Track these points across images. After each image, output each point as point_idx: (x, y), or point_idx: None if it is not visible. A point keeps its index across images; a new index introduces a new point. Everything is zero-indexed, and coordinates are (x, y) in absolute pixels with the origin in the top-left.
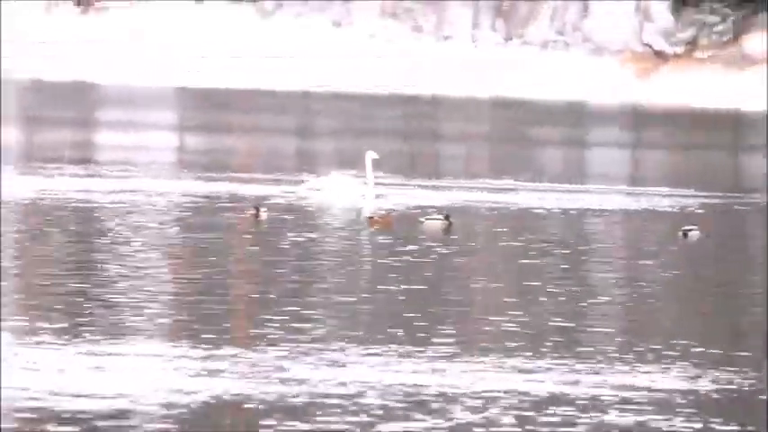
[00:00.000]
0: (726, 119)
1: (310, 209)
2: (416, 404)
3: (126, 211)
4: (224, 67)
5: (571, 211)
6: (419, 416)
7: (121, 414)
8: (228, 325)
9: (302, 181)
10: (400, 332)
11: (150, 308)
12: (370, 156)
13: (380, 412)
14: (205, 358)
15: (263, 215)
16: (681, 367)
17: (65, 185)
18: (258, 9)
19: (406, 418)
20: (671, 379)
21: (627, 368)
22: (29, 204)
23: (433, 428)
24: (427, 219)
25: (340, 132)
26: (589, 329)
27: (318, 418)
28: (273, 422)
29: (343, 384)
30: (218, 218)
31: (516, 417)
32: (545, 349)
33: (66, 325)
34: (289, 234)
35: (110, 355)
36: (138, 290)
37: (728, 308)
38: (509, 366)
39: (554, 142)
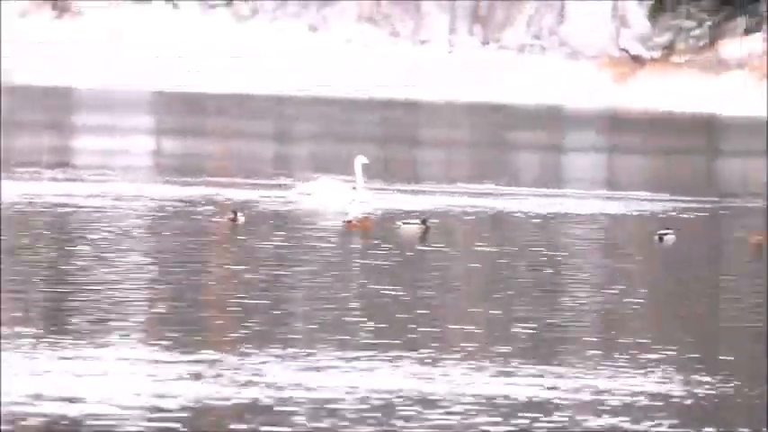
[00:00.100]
0: (702, 123)
1: (289, 213)
2: (394, 409)
3: (103, 215)
4: (200, 72)
5: (548, 216)
6: (396, 421)
7: (104, 418)
8: (205, 329)
9: (291, 186)
10: (377, 337)
11: (127, 312)
12: (360, 160)
13: (357, 417)
14: (181, 363)
15: (241, 219)
16: (660, 371)
17: (42, 190)
18: (234, 13)
19: (383, 424)
20: (651, 383)
21: (607, 372)
22: (5, 209)
23: None
24: (404, 223)
25: (317, 137)
26: (566, 333)
27: (295, 423)
28: (247, 426)
29: (320, 389)
30: (195, 222)
31: (496, 421)
32: (523, 353)
33: (43, 330)
34: (266, 238)
35: (87, 359)
36: (116, 294)
37: (705, 312)
38: (487, 371)
39: (531, 146)
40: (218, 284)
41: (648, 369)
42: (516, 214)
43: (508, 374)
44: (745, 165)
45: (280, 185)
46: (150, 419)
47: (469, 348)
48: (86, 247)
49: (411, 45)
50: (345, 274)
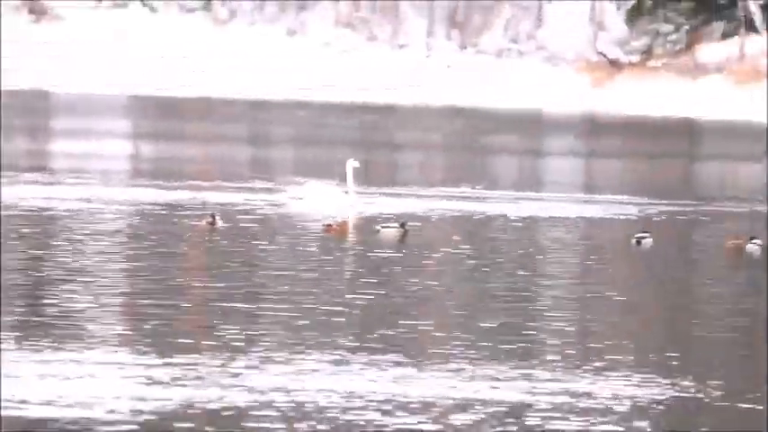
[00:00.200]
0: (680, 127)
1: (268, 217)
2: (373, 412)
3: (81, 219)
4: (178, 76)
5: (526, 219)
6: (377, 425)
7: (84, 422)
8: (183, 333)
9: (282, 190)
10: (356, 341)
11: (105, 317)
12: (351, 164)
13: (336, 421)
14: (161, 366)
15: (219, 223)
16: (637, 375)
17: (19, 194)
18: (212, 17)
19: (364, 427)
20: (630, 386)
21: (585, 375)
22: None
23: None
24: (383, 227)
25: (295, 141)
26: (544, 337)
27: (275, 427)
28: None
29: (299, 393)
30: (173, 225)
31: (475, 425)
32: (501, 356)
33: (20, 333)
34: (244, 242)
35: (67, 363)
36: (93, 298)
37: (681, 315)
38: (465, 374)
39: (510, 150)
40: (195, 288)
41: (626, 372)
42: (495, 218)
43: (487, 378)
44: (723, 168)
45: (270, 189)
46: (130, 423)
47: (447, 352)
48: (64, 251)
49: (389, 49)
50: (324, 277)
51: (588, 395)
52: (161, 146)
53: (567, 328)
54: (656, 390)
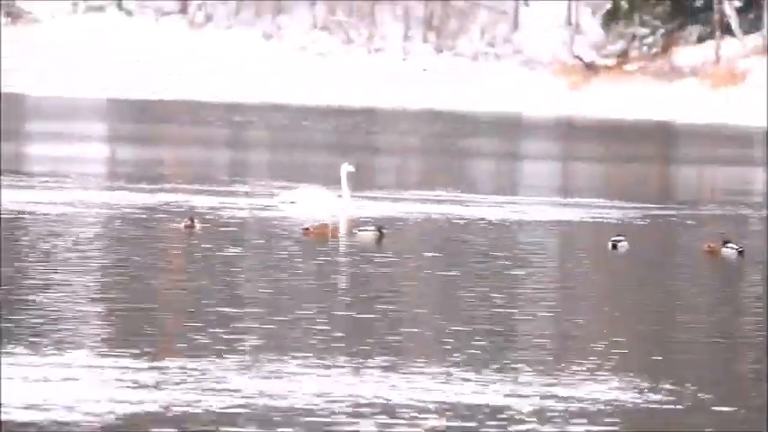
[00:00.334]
0: (657, 131)
1: (247, 220)
2: (356, 416)
3: (58, 222)
4: (155, 79)
5: (503, 223)
6: (360, 428)
7: (66, 425)
8: (162, 337)
9: (275, 194)
10: (335, 345)
11: (85, 320)
12: (345, 168)
13: (318, 424)
14: (142, 370)
15: (198, 226)
16: (615, 379)
17: None
18: (189, 21)
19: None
20: (611, 390)
21: (564, 379)
22: None
23: None
24: (360, 230)
25: (272, 144)
26: (521, 340)
27: (257, 430)
28: None
29: (282, 396)
30: (151, 229)
31: (457, 428)
32: (480, 361)
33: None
34: (222, 245)
35: (46, 367)
36: (70, 302)
37: (657, 319)
38: (445, 377)
39: (487, 154)
40: (175, 291)
41: (604, 376)
42: (472, 221)
43: (466, 381)
44: (700, 172)
45: (248, 193)
46: (112, 427)
47: (427, 355)
48: (41, 255)
49: (365, 53)
50: (302, 281)
51: (564, 398)
52: (138, 149)
53: (538, 332)
54: (634, 393)
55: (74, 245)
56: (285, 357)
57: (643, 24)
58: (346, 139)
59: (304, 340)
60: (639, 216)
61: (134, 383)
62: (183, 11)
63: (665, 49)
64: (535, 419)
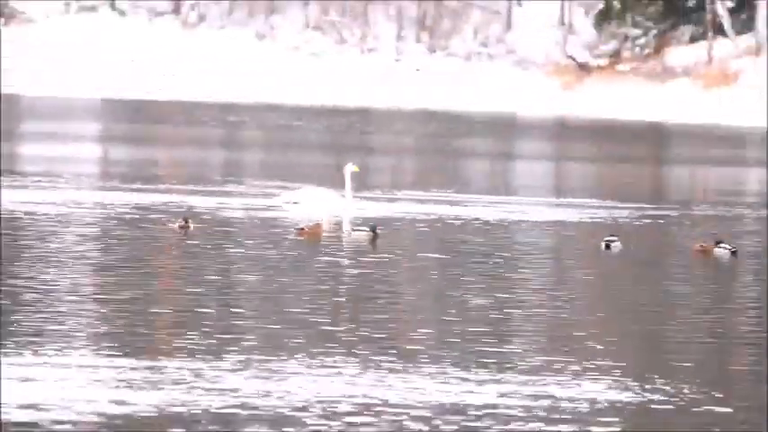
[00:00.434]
0: (649, 131)
1: (241, 220)
2: (351, 416)
3: (53, 222)
4: (148, 79)
5: (496, 223)
6: (354, 428)
7: (63, 424)
8: (158, 337)
9: (277, 194)
10: (330, 344)
11: (80, 321)
12: (350, 168)
13: (313, 424)
14: (139, 370)
15: (192, 226)
16: (610, 378)
17: None
18: (182, 21)
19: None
20: (606, 390)
21: (558, 379)
22: None
23: None
24: (354, 230)
25: (266, 144)
26: (515, 340)
27: (254, 430)
28: None
29: (277, 396)
30: (145, 229)
31: (451, 428)
32: (474, 360)
33: None
34: (217, 245)
35: (43, 366)
36: (65, 301)
37: (650, 318)
38: (440, 377)
39: (480, 154)
40: (170, 292)
41: (599, 376)
42: (465, 221)
43: (461, 381)
44: (692, 172)
45: (265, 194)
46: (109, 426)
47: (421, 355)
48: (36, 255)
49: (358, 53)
50: (297, 281)
51: (559, 398)
52: (132, 149)
53: (532, 332)
54: (629, 393)
55: (68, 245)
56: (281, 358)
57: (635, 25)
58: (339, 139)
59: (299, 340)
60: (632, 216)
61: (130, 384)
62: (176, 11)
63: (658, 49)
64: (530, 419)
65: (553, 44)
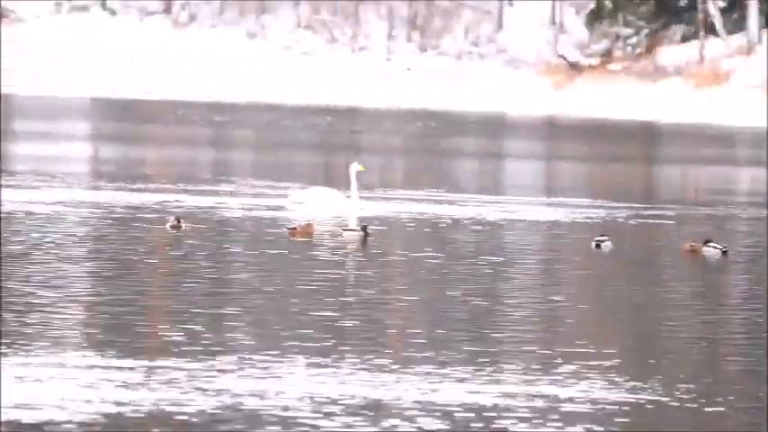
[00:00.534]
0: (641, 130)
1: (233, 220)
2: (344, 416)
3: (45, 222)
4: (138, 79)
5: (487, 222)
6: (347, 428)
7: (57, 424)
8: (152, 337)
9: (284, 195)
10: (322, 344)
11: (71, 320)
12: (355, 168)
13: (306, 424)
14: (133, 370)
15: (184, 226)
16: (601, 378)
17: None
18: (173, 21)
19: (333, 430)
20: (602, 391)
21: (550, 379)
22: None
23: None
24: (345, 230)
25: (257, 144)
26: (506, 340)
27: (246, 430)
28: None
29: (271, 396)
30: (137, 229)
31: (447, 428)
32: (466, 361)
33: None
34: (209, 245)
35: (37, 366)
36: (55, 301)
37: (640, 318)
38: (432, 377)
39: (471, 153)
40: (163, 292)
41: (591, 376)
42: (456, 221)
43: (453, 381)
44: (683, 171)
45: (273, 195)
46: (103, 426)
47: (412, 356)
48: (28, 254)
49: (349, 52)
50: (288, 280)
51: (551, 398)
52: (123, 148)
53: (523, 332)
54: (621, 392)
55: (56, 245)
56: (274, 357)
57: (627, 24)
58: (330, 139)
59: (291, 340)
60: (623, 216)
61: (122, 384)
62: (167, 10)
63: (649, 48)
64: (522, 419)
65: (544, 43)
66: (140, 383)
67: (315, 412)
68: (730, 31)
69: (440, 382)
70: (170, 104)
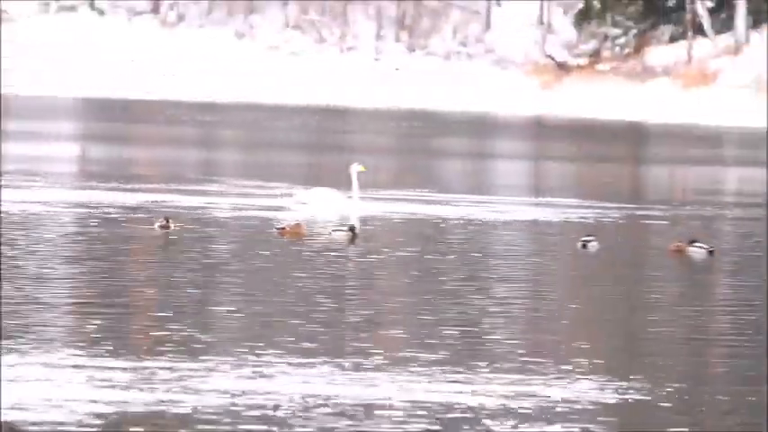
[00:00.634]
0: (629, 130)
1: (222, 220)
2: (334, 416)
3: (33, 222)
4: (127, 78)
5: (475, 222)
6: (337, 428)
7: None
8: (138, 337)
9: (290, 194)
10: (310, 343)
11: (62, 320)
12: (355, 168)
13: (294, 423)
14: (124, 370)
15: (173, 226)
16: (588, 378)
17: None
18: (161, 21)
19: (324, 430)
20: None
21: (538, 379)
22: None
23: None
24: (333, 230)
25: (245, 144)
26: (493, 339)
27: (238, 429)
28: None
29: (260, 395)
30: (126, 229)
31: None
32: (454, 360)
33: None
34: (197, 245)
35: (26, 366)
36: (49, 302)
37: (627, 317)
38: (421, 376)
39: (459, 153)
40: (153, 291)
41: (578, 376)
42: (443, 221)
43: (439, 381)
44: (671, 172)
45: (278, 195)
46: (93, 427)
47: (399, 355)
48: (17, 254)
49: (338, 52)
50: (277, 280)
51: (539, 398)
52: (111, 148)
53: (510, 332)
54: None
55: (45, 245)
56: (263, 357)
57: (615, 24)
58: (318, 139)
59: (281, 340)
60: (611, 216)
61: (113, 384)
62: (156, 10)
63: (638, 48)
64: (510, 419)
65: (532, 44)
66: (129, 384)
67: (304, 412)
68: (718, 32)
69: (428, 382)
70: (160, 104)
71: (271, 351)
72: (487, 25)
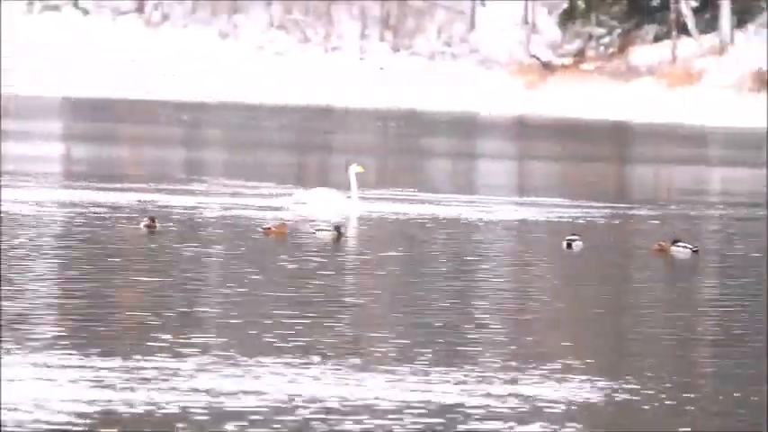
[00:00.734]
0: (613, 130)
1: (208, 220)
2: (322, 416)
3: (19, 221)
4: (110, 78)
5: (460, 222)
6: (323, 428)
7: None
8: (125, 337)
9: (289, 194)
10: (297, 343)
11: (48, 321)
12: (354, 169)
13: (282, 424)
14: (111, 370)
15: (158, 226)
16: (575, 378)
17: None
18: (145, 21)
19: (311, 430)
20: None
21: (524, 379)
22: None
23: None
24: (318, 230)
25: (230, 144)
26: (478, 339)
27: (225, 430)
28: None
29: (248, 396)
30: (111, 229)
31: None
32: (440, 360)
33: None
34: (184, 244)
35: (15, 366)
36: (36, 302)
37: (611, 318)
38: (407, 377)
39: (444, 153)
40: (138, 292)
41: (565, 375)
42: (428, 220)
43: (428, 381)
44: (656, 171)
45: (276, 195)
46: (81, 426)
47: (387, 356)
48: (5, 254)
49: (322, 51)
50: (262, 280)
51: (524, 398)
52: (96, 148)
53: (496, 332)
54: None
55: (32, 244)
56: (251, 358)
57: (599, 24)
58: (303, 138)
59: (268, 340)
60: (595, 215)
61: (102, 384)
62: (140, 10)
63: (622, 48)
64: (496, 419)
65: (517, 43)
66: (117, 383)
67: (291, 412)
68: (702, 31)
69: (414, 382)
70: (142, 104)
71: (258, 351)
72: (472, 25)
